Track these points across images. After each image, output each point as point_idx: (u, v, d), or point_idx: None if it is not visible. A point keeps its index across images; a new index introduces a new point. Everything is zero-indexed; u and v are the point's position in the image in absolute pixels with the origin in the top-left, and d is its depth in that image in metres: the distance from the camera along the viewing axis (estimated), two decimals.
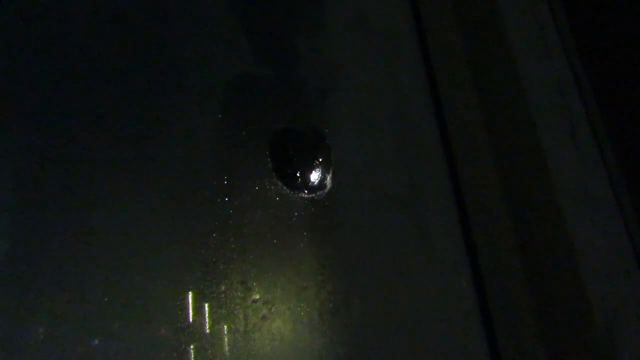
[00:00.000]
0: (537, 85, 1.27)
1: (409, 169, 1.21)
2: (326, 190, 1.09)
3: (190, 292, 0.92)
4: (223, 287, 0.95)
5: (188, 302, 0.91)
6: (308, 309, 1.00)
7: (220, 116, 1.05)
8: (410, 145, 1.23)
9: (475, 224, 1.21)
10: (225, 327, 0.92)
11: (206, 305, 0.93)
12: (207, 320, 0.91)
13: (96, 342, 0.82)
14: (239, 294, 0.96)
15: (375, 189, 1.14)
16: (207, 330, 0.91)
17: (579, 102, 1.34)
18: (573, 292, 1.12)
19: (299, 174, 1.08)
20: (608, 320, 1.09)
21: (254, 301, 0.97)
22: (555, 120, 1.27)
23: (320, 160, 1.10)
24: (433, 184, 1.22)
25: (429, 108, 1.31)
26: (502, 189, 1.25)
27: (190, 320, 0.90)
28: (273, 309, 0.98)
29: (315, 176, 1.09)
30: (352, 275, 1.06)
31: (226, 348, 0.91)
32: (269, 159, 1.06)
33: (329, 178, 1.10)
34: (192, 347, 0.88)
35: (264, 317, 0.97)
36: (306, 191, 1.07)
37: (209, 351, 0.90)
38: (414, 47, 1.33)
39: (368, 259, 1.08)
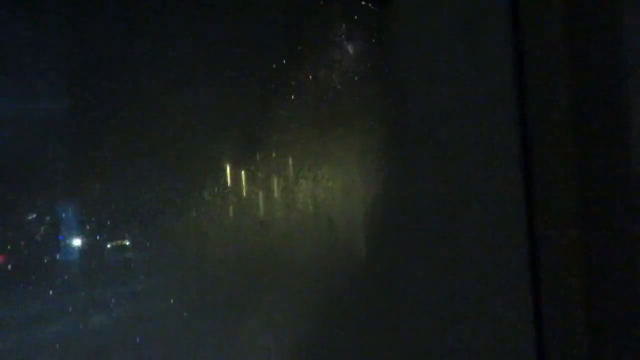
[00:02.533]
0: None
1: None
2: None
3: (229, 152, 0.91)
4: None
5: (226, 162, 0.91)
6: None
7: None
8: None
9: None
10: (261, 187, 0.91)
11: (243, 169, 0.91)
12: (243, 182, 0.91)
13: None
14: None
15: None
16: (244, 193, 0.90)
17: None
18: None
19: None
20: None
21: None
22: None
23: None
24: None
25: None
26: None
27: (229, 183, 0.90)
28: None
29: None
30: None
31: (261, 208, 0.91)
32: None
33: None
34: (230, 208, 0.89)
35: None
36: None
37: (246, 210, 0.90)
38: None
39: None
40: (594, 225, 0.98)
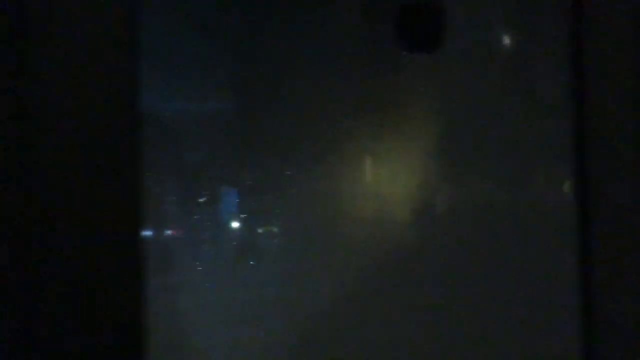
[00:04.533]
0: None
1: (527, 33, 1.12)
2: (437, 51, 1.05)
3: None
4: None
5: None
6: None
7: None
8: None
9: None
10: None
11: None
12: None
13: None
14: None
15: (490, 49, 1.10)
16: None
17: None
18: None
19: (408, 32, 1.04)
20: None
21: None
22: None
23: (433, 20, 1.05)
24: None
25: None
26: None
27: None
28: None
29: (426, 36, 1.05)
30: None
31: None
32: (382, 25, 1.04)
33: (440, 38, 1.06)
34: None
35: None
36: (417, 50, 1.04)
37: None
38: None
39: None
40: None
